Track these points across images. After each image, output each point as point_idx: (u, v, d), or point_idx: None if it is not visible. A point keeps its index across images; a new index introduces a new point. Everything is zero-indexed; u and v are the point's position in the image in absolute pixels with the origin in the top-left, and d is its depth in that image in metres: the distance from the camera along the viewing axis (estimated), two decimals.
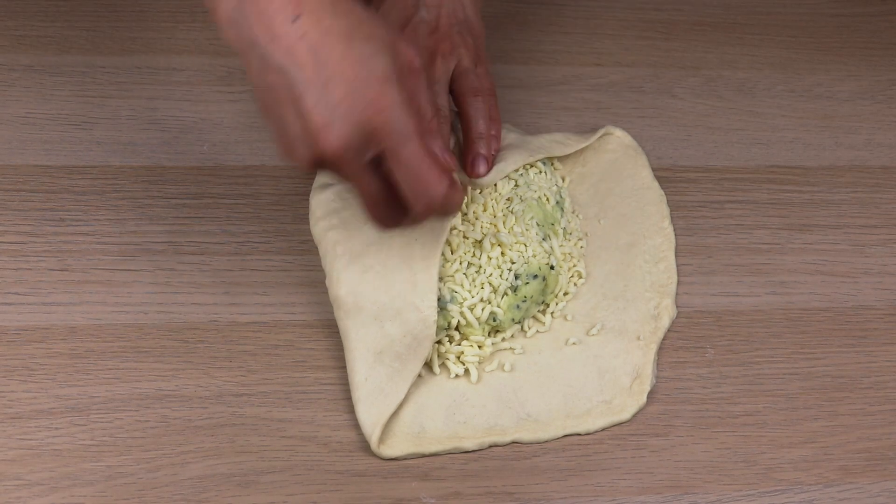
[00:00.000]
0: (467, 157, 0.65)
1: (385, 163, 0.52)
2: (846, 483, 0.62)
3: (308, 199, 0.67)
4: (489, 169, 0.65)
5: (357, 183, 0.53)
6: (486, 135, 0.65)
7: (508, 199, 0.65)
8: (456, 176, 0.55)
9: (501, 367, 0.64)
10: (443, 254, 0.62)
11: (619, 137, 0.74)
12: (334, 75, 0.49)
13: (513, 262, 0.63)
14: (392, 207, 0.55)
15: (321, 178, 0.67)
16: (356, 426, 0.60)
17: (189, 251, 0.66)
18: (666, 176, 0.75)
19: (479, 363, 0.63)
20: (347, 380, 0.61)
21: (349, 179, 0.53)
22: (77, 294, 0.63)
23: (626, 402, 0.63)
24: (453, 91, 0.67)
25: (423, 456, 0.60)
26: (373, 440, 0.59)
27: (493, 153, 0.66)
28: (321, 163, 0.51)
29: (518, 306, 0.64)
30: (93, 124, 0.71)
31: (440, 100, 0.65)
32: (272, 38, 0.49)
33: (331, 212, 0.65)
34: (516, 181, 0.66)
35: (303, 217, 0.68)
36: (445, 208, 0.54)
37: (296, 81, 0.49)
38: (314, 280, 0.66)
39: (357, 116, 0.49)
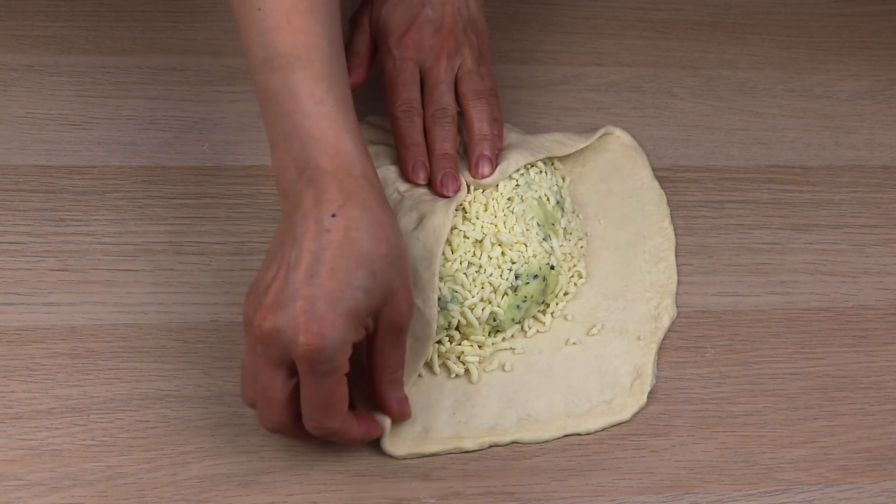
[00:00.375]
0: (471, 158, 0.65)
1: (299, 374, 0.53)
2: (846, 483, 0.62)
3: None
4: (493, 170, 0.65)
5: (263, 375, 0.53)
6: (489, 136, 0.66)
7: (509, 199, 0.65)
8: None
9: (502, 367, 0.64)
10: (443, 253, 0.62)
11: (619, 137, 0.74)
12: (314, 284, 0.51)
13: (513, 262, 0.63)
14: (288, 414, 0.54)
15: None
16: None
17: (189, 251, 0.66)
18: (666, 176, 0.75)
19: (480, 363, 0.63)
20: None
21: (261, 367, 0.53)
22: (77, 294, 0.63)
23: (627, 402, 0.63)
24: (457, 92, 0.67)
25: (424, 456, 0.60)
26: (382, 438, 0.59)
27: (496, 153, 0.66)
28: (249, 328, 0.52)
29: (518, 306, 0.64)
30: (93, 124, 0.71)
31: (446, 99, 0.66)
32: (306, 215, 0.52)
33: None
34: (517, 181, 0.66)
35: None
36: (341, 439, 0.55)
37: (291, 259, 0.52)
38: None
39: (294, 333, 0.50)
